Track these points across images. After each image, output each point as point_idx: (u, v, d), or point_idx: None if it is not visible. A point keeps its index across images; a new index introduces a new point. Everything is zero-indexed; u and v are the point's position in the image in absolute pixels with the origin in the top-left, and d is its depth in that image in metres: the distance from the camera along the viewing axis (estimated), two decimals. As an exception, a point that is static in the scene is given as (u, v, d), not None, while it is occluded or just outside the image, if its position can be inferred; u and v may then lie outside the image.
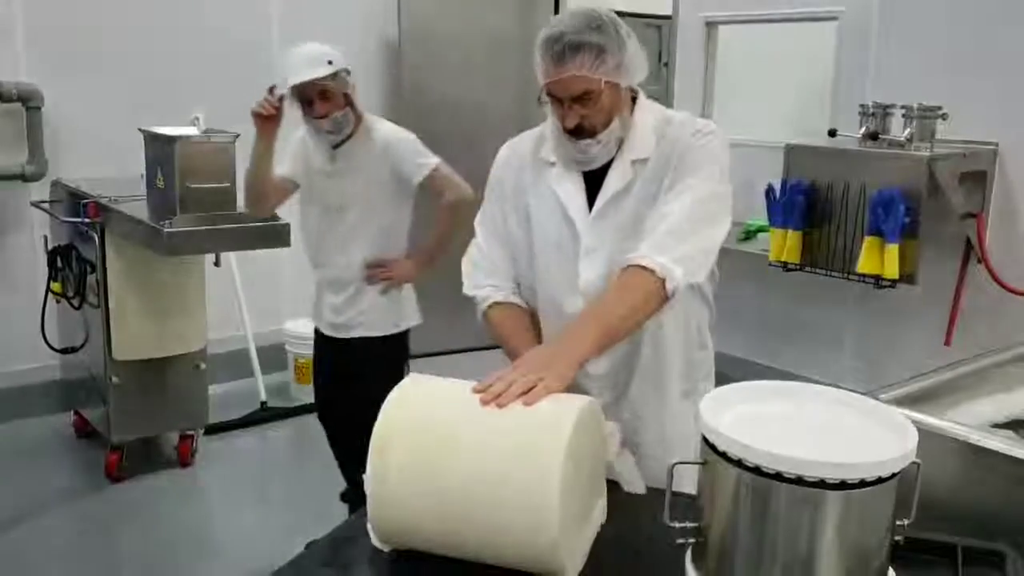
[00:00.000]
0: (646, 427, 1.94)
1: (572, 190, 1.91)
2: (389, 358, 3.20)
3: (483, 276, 2.00)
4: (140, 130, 3.70)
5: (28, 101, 4.24)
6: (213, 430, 4.35)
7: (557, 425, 1.39)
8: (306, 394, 4.78)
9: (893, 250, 3.58)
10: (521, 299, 1.99)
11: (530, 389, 1.47)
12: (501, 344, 1.94)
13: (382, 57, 5.37)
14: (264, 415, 4.60)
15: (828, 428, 1.38)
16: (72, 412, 4.35)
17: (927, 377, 2.52)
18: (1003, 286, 3.79)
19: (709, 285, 1.99)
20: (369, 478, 1.44)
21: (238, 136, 3.55)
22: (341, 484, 3.29)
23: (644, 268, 1.70)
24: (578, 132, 1.82)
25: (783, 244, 3.95)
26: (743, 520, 1.30)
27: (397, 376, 2.89)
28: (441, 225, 3.21)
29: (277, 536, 3.27)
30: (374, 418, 1.44)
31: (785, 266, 4.00)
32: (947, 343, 3.96)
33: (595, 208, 1.88)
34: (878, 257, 3.63)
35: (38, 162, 4.32)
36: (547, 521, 1.34)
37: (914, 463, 1.31)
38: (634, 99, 1.91)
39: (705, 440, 1.33)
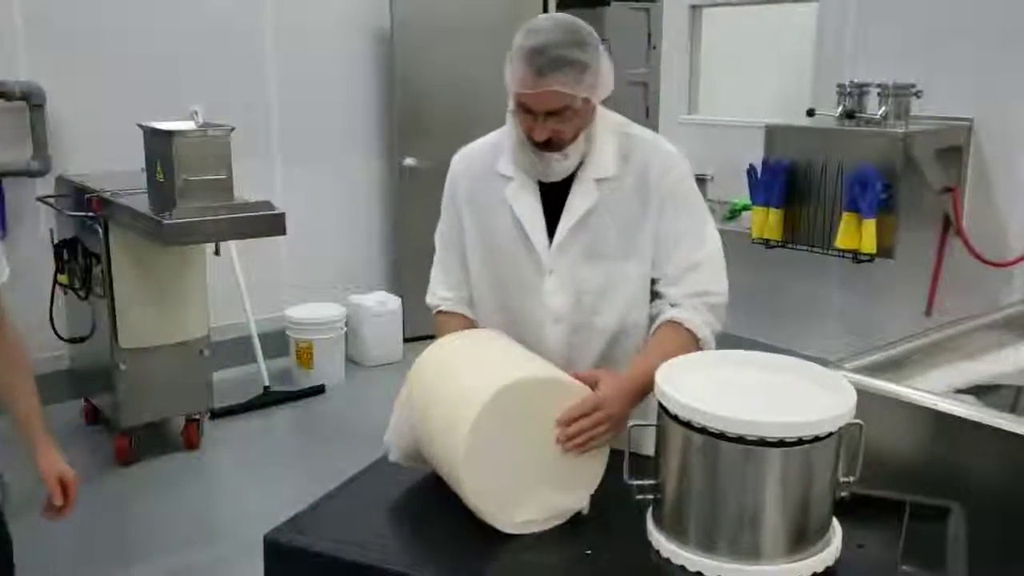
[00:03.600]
0: None
1: (530, 208, 1.90)
2: None
3: (440, 288, 2.06)
4: (139, 125, 3.80)
5: (31, 99, 4.34)
6: (218, 414, 4.48)
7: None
8: (308, 378, 4.94)
9: (870, 225, 3.67)
10: (468, 309, 2.03)
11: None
12: None
13: (374, 48, 5.46)
14: (267, 399, 4.72)
15: (775, 392, 1.50)
16: (82, 399, 4.47)
17: (896, 345, 2.62)
18: (979, 258, 3.89)
19: None
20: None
21: (233, 129, 3.67)
22: (344, 464, 3.38)
23: (694, 336, 1.84)
24: (546, 145, 1.80)
25: (765, 222, 4.05)
26: (693, 477, 1.43)
27: None
28: (26, 372, 2.07)
29: (282, 515, 3.37)
30: None
31: (767, 243, 4.10)
32: (928, 314, 4.07)
33: (559, 232, 1.88)
34: (856, 232, 3.72)
35: (42, 158, 4.43)
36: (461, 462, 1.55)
37: (857, 424, 1.43)
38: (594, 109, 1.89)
39: (660, 404, 1.46)
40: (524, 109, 1.78)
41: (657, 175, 1.87)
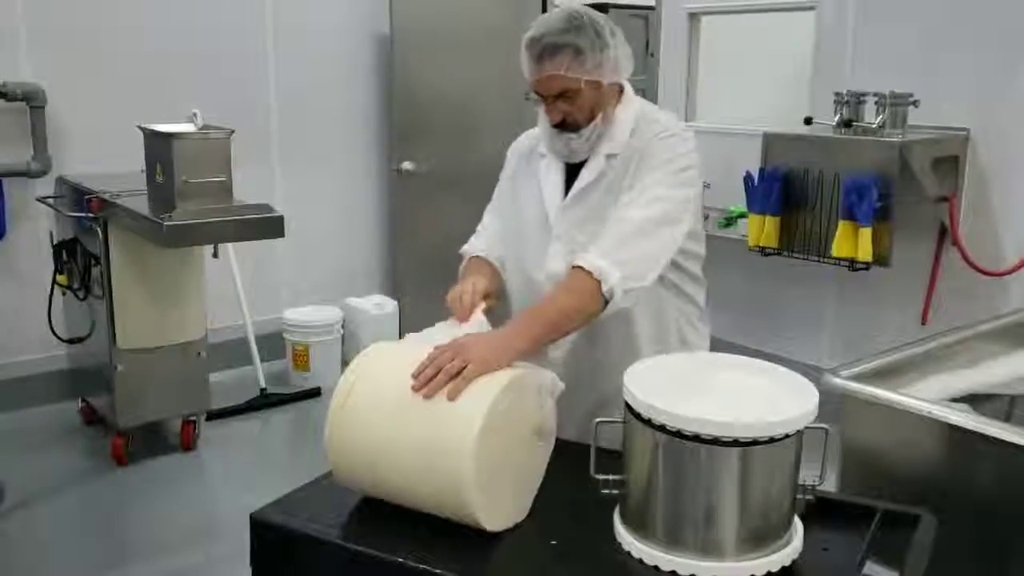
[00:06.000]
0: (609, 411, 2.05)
1: (552, 181, 2.06)
2: None
3: (477, 242, 2.22)
4: (139, 127, 3.82)
5: (31, 100, 4.36)
6: (215, 416, 4.49)
7: (469, 421, 1.53)
8: (304, 381, 4.96)
9: (866, 234, 3.67)
10: (496, 263, 2.16)
11: (458, 373, 1.57)
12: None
13: (374, 52, 5.49)
14: (264, 401, 4.73)
15: (741, 393, 1.51)
16: (79, 400, 4.48)
17: (892, 354, 2.63)
18: (975, 267, 3.90)
19: (694, 285, 2.11)
20: (326, 441, 1.66)
21: (233, 132, 3.68)
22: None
23: (583, 270, 1.81)
24: (562, 126, 1.95)
25: (761, 229, 4.05)
26: (653, 473, 1.44)
27: None
28: None
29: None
30: None
31: (764, 251, 4.11)
32: (924, 322, 4.08)
33: (566, 199, 2.03)
34: (852, 241, 3.73)
35: (42, 159, 4.44)
36: (461, 483, 1.51)
37: (822, 429, 1.45)
38: (622, 92, 2.01)
39: (625, 401, 1.48)
40: (537, 94, 1.94)
41: (642, 143, 1.96)
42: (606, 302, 1.81)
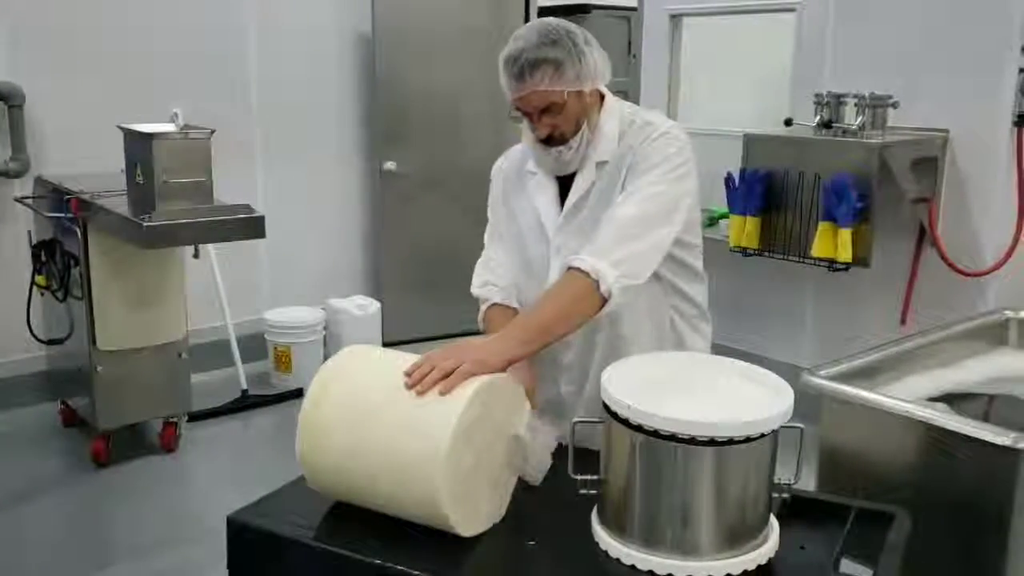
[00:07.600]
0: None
1: (547, 198, 2.05)
2: None
3: (486, 276, 2.14)
4: (119, 127, 3.80)
5: (9, 99, 4.33)
6: (196, 417, 4.47)
7: (440, 428, 1.51)
8: (286, 382, 4.94)
9: (846, 235, 3.69)
10: (517, 301, 2.10)
11: (449, 373, 1.55)
12: None
13: (356, 50, 5.48)
14: (245, 402, 4.71)
15: (717, 393, 1.52)
16: (59, 401, 4.45)
17: (871, 353, 2.65)
18: (954, 268, 3.92)
19: (692, 283, 2.10)
20: (298, 449, 1.64)
21: (214, 132, 3.67)
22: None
23: (579, 271, 1.78)
24: (550, 141, 1.93)
25: (742, 230, 4.07)
26: (630, 473, 1.45)
27: None
28: None
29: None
30: None
31: (744, 251, 4.13)
32: (903, 323, 4.11)
33: (562, 212, 2.02)
34: (831, 242, 3.75)
35: (21, 159, 4.41)
36: (435, 492, 1.49)
37: (798, 428, 1.46)
38: (602, 98, 2.00)
39: (603, 401, 1.48)
40: (521, 111, 1.93)
41: (632, 147, 1.94)
42: (603, 301, 1.78)
